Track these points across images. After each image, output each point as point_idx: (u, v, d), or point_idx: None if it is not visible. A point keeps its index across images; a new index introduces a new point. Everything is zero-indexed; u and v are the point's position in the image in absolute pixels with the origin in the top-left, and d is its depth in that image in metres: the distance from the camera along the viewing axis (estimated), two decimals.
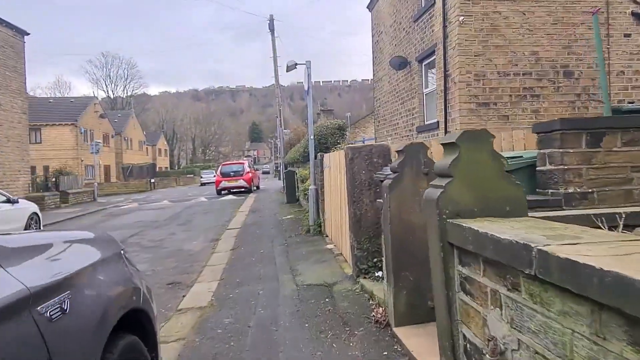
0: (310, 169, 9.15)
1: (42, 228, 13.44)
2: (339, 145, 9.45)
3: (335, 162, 7.15)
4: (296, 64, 9.03)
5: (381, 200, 4.11)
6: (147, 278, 7.04)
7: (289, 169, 18.40)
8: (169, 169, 75.83)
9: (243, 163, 26.60)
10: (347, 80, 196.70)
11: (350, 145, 5.23)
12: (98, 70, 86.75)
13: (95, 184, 27.28)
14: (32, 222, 12.90)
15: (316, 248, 7.78)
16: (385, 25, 16.51)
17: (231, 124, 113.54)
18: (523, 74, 10.82)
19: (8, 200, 12.01)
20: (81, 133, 39.24)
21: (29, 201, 14.05)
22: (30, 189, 20.99)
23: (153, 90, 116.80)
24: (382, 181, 4.76)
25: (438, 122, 11.69)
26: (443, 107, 11.34)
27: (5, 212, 11.65)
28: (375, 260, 5.31)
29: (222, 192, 25.27)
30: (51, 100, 44.11)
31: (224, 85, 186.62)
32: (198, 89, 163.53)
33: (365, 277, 5.29)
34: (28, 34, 21.03)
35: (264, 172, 78.60)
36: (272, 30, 22.49)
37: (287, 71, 9.23)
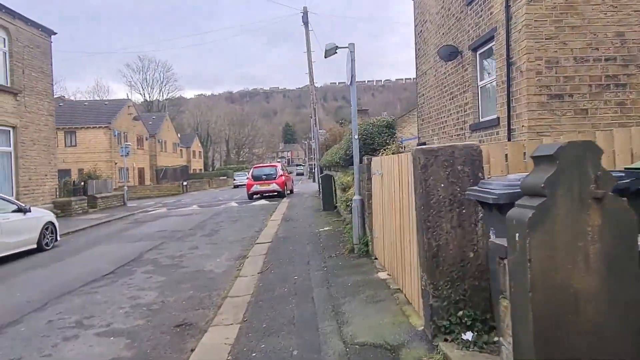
0: (354, 176, 7.51)
1: (58, 239, 12.36)
2: (388, 147, 7.75)
3: (389, 168, 5.49)
4: (337, 47, 7.41)
5: (499, 242, 2.43)
6: (152, 313, 5.67)
7: (325, 172, 16.82)
8: (202, 171, 75.82)
9: (275, 166, 25.23)
10: (380, 80, 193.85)
11: (420, 147, 3.49)
12: (135, 74, 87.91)
13: (125, 187, 26.54)
14: (47, 233, 11.80)
15: (365, 277, 6.12)
16: (431, 13, 14.71)
17: (265, 125, 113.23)
18: (605, 60, 8.86)
19: (19, 210, 10.93)
20: (115, 135, 38.98)
21: (44, 209, 13.06)
22: (58, 193, 20.25)
23: (189, 94, 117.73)
24: (484, 203, 3.06)
25: (498, 118, 9.84)
26: (505, 100, 9.49)
27: (15, 224, 10.56)
28: (460, 314, 3.62)
29: (254, 196, 23.98)
30: (86, 104, 44.28)
31: (258, 87, 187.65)
32: (232, 91, 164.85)
33: (447, 340, 3.60)
34: (55, 33, 20.31)
35: (297, 174, 77.53)
36: (305, 23, 21.02)
37: (325, 56, 7.62)
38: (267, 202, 21.72)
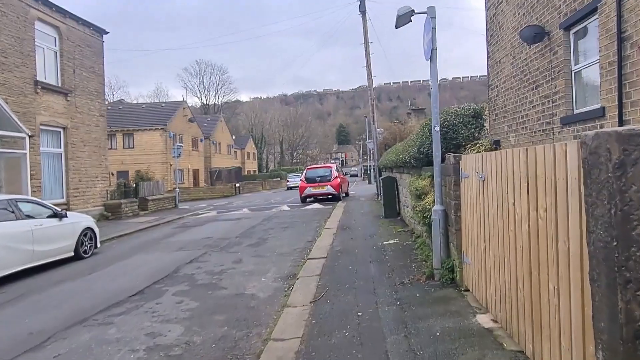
0: (433, 179, 5.77)
1: (98, 246, 11.48)
2: (478, 142, 5.92)
3: (503, 168, 3.73)
4: (413, 12, 5.68)
5: None
6: None
7: (387, 174, 15.05)
8: (256, 172, 75.94)
9: (330, 167, 23.68)
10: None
11: (606, 130, 1.66)
12: (192, 78, 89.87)
13: (177, 189, 26.03)
14: (86, 240, 10.90)
15: (459, 323, 4.37)
16: None
17: (318, 127, 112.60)
18: None
19: (54, 215, 10.05)
20: (170, 137, 39.10)
21: (83, 214, 12.18)
22: (108, 196, 19.82)
23: (244, 97, 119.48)
24: None
25: (603, 108, 7.71)
26: (615, 85, 7.37)
27: (48, 230, 9.66)
28: None
29: (307, 199, 22.58)
30: (144, 106, 44.98)
31: (311, 89, 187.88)
32: (287, 94, 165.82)
33: None
34: (107, 32, 19.94)
35: (351, 175, 75.81)
36: (363, 12, 19.35)
37: (397, 25, 5.92)
38: (321, 206, 20.24)
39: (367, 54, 19.46)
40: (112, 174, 39.51)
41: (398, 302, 5.24)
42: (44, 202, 10.21)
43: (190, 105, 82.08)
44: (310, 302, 5.68)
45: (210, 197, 36.79)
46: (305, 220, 15.17)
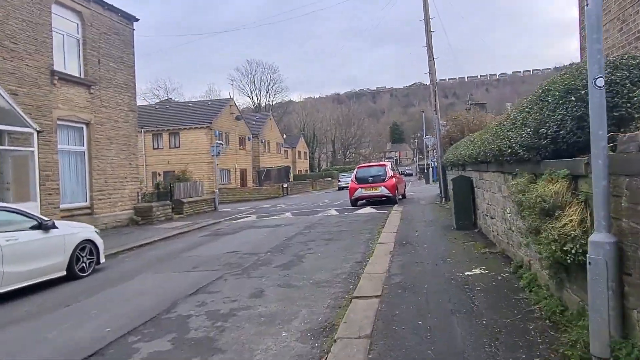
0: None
1: (102, 261, 9.42)
2: None
3: None
4: None
5: None
6: None
7: (458, 173, 12.05)
8: (308, 172, 74.04)
9: (384, 165, 20.77)
10: (495, 74, 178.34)
11: None
12: (243, 77, 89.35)
13: (216, 191, 24.14)
14: (84, 255, 8.85)
15: None
16: None
17: (371, 125, 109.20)
18: None
19: (39, 226, 8.03)
20: (216, 136, 37.61)
21: (81, 223, 10.15)
22: (139, 198, 18.10)
23: (296, 98, 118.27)
24: None
25: None
26: None
27: (29, 245, 7.65)
28: None
29: (358, 202, 19.85)
30: (190, 104, 43.98)
31: (364, 87, 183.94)
32: (339, 93, 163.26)
33: None
34: (137, 19, 18.20)
35: (406, 175, 72.09)
36: None
37: None
38: (374, 210, 17.44)
39: (428, 31, 16.46)
40: (159, 174, 38.74)
41: None
42: (25, 210, 8.19)
43: (243, 106, 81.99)
44: None
45: (257, 199, 34.90)
46: (355, 229, 12.48)
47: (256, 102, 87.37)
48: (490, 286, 5.46)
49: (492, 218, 7.90)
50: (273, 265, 8.50)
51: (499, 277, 5.75)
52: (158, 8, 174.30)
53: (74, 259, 8.61)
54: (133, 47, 18.18)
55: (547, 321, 4.03)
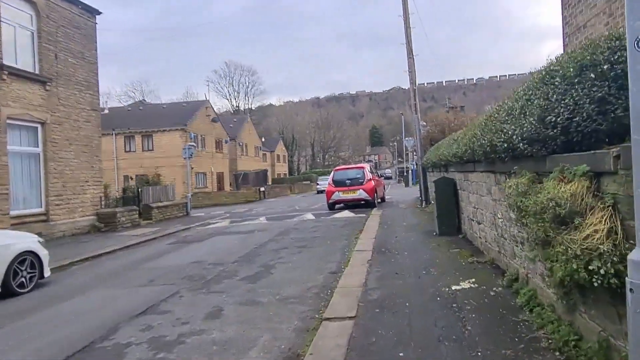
0: (635, 183, 2.15)
1: (46, 275, 8.36)
2: None
3: None
4: None
5: None
6: None
7: (441, 175, 11.36)
8: (287, 175, 73.06)
9: (362, 167, 20.02)
10: (472, 79, 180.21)
11: None
12: (221, 80, 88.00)
13: (189, 195, 23.03)
14: (24, 269, 7.80)
15: None
16: None
17: (351, 128, 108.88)
18: None
19: None
20: (191, 138, 36.41)
21: (21, 232, 9.08)
22: (103, 203, 16.92)
23: (276, 102, 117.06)
24: None
25: None
26: None
27: None
28: None
29: (336, 206, 19.06)
30: (164, 106, 42.63)
31: (344, 92, 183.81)
32: (319, 97, 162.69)
33: None
34: (99, 12, 17.07)
35: (386, 177, 71.75)
36: None
37: None
38: (352, 214, 16.66)
39: (407, 28, 15.81)
40: (132, 178, 37.26)
41: None
42: None
43: (222, 110, 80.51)
44: None
45: (234, 202, 33.80)
46: (331, 235, 11.66)
47: (235, 105, 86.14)
48: (483, 304, 4.69)
49: (479, 223, 7.18)
50: (238, 277, 7.61)
51: (491, 293, 4.99)
52: (137, 10, 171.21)
53: (11, 273, 7.57)
54: (96, 42, 17.06)
55: (558, 354, 3.26)
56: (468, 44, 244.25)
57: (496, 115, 5.02)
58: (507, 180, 4.45)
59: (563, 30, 11.25)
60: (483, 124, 5.70)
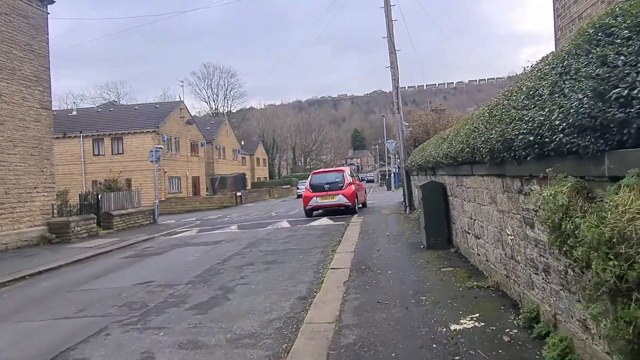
0: None
1: None
2: None
3: None
4: None
5: None
6: None
7: (427, 179, 10.14)
8: (267, 179, 71.48)
9: (342, 171, 18.75)
10: (452, 83, 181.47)
11: None
12: (200, 82, 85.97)
13: (156, 201, 21.45)
14: None
15: None
16: None
17: (332, 132, 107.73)
18: None
19: None
20: (164, 141, 34.73)
21: None
22: (56, 211, 15.29)
23: (257, 105, 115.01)
24: None
25: None
26: None
27: None
28: None
29: (314, 212, 17.76)
30: (136, 107, 40.68)
31: (326, 95, 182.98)
32: (301, 100, 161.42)
33: None
34: (52, 1, 15.53)
35: (368, 181, 70.77)
36: None
37: None
38: (330, 221, 15.37)
39: (389, 21, 14.66)
40: (100, 183, 35.22)
41: None
42: None
43: (202, 113, 78.43)
44: None
45: (208, 208, 32.22)
46: (305, 247, 10.34)
47: (214, 108, 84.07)
48: (496, 357, 3.43)
49: (477, 238, 5.95)
50: (187, 305, 6.23)
51: (505, 338, 3.73)
52: (118, 11, 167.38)
53: None
54: (47, 34, 15.47)
55: None
56: (449, 48, 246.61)
57: (509, 101, 3.78)
58: (525, 186, 3.20)
59: (555, 24, 10.19)
60: (487, 114, 4.47)
